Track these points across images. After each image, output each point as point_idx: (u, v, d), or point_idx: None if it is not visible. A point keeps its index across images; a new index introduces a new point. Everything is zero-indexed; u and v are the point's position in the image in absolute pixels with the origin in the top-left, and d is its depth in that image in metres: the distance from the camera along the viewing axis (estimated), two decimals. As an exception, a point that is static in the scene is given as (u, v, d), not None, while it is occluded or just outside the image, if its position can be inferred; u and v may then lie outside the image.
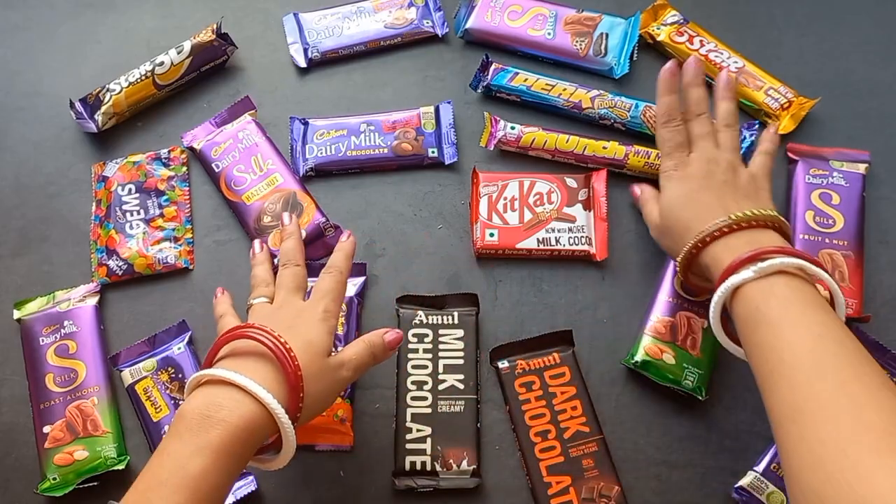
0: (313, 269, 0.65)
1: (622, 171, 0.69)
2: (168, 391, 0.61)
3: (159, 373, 0.62)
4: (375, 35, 0.76)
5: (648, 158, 0.68)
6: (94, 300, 0.65)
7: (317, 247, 0.67)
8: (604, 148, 0.69)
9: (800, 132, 0.70)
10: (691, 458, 0.59)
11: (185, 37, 0.74)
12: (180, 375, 0.62)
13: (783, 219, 0.53)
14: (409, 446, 0.58)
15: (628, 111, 0.70)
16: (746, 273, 0.48)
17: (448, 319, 0.63)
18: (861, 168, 0.67)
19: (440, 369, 0.61)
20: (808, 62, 0.75)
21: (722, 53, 0.73)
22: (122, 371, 0.62)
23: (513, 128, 0.70)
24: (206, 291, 0.66)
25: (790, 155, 0.69)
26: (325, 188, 0.70)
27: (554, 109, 0.71)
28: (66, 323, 0.64)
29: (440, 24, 0.77)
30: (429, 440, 0.58)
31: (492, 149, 0.71)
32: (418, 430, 0.59)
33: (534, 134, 0.69)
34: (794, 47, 0.75)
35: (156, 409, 0.60)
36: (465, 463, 0.58)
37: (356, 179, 0.71)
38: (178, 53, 0.73)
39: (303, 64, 0.76)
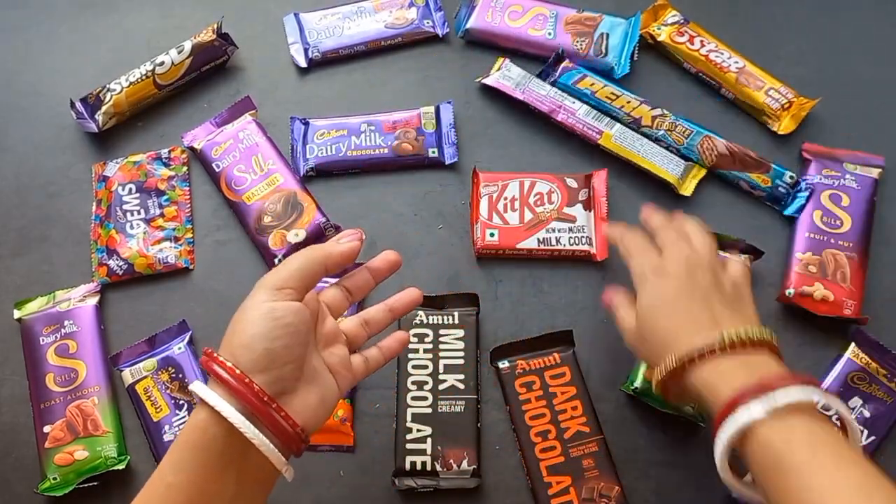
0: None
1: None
2: (168, 391, 0.61)
3: (160, 373, 0.62)
4: (376, 35, 0.76)
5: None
6: (94, 300, 0.65)
7: (317, 247, 0.67)
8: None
9: (800, 132, 0.70)
10: (691, 458, 0.59)
11: (186, 37, 0.74)
12: (180, 375, 0.62)
13: (774, 337, 0.48)
14: (409, 446, 0.58)
15: (686, 137, 0.69)
16: (756, 411, 0.41)
17: (448, 319, 0.63)
18: (874, 172, 0.67)
19: (440, 369, 0.61)
20: (809, 62, 0.75)
21: (722, 53, 0.73)
22: (122, 371, 0.62)
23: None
24: (207, 291, 0.67)
25: (804, 155, 0.69)
26: (325, 188, 0.70)
27: (614, 119, 0.70)
28: (66, 323, 0.64)
29: (441, 23, 0.77)
30: (429, 440, 0.58)
31: (487, 81, 0.71)
32: (418, 430, 0.59)
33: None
34: (795, 47, 0.75)
35: (156, 409, 0.60)
36: (465, 463, 0.58)
37: (356, 179, 0.71)
38: (179, 53, 0.73)
39: (303, 64, 0.76)
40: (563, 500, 0.56)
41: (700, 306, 0.49)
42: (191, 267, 0.67)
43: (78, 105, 0.72)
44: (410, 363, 0.61)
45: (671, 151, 0.70)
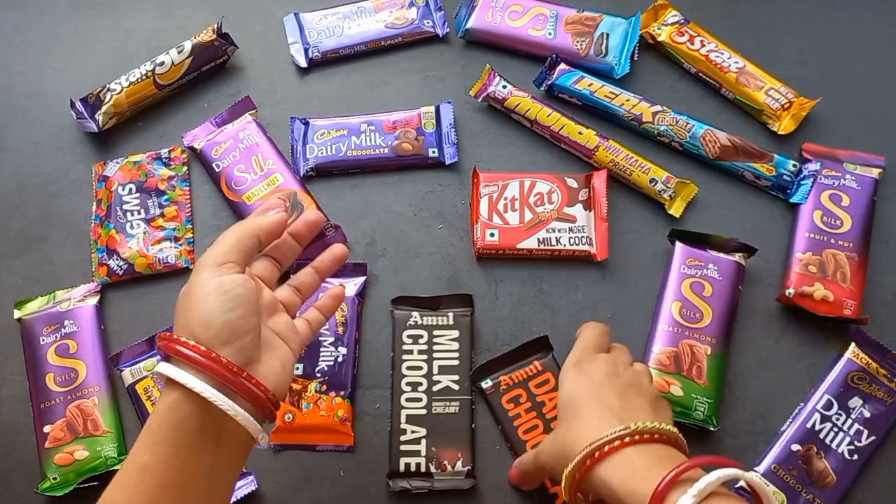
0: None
1: (589, 162, 0.70)
2: (168, 391, 0.61)
3: (160, 373, 0.62)
4: (376, 35, 0.76)
5: (617, 156, 0.68)
6: (94, 300, 0.65)
7: (317, 247, 0.67)
8: (579, 133, 0.69)
9: (801, 132, 0.70)
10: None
11: (186, 37, 0.74)
12: (181, 375, 0.62)
13: (684, 440, 0.47)
14: (403, 448, 0.58)
15: (688, 132, 0.69)
16: (686, 500, 0.39)
17: (443, 320, 0.62)
18: (874, 172, 0.67)
19: (435, 370, 0.61)
20: (809, 62, 0.75)
21: (723, 53, 0.73)
22: (122, 371, 0.62)
23: (504, 86, 0.71)
24: (207, 291, 0.67)
25: (804, 154, 0.69)
26: (325, 188, 0.70)
27: (614, 118, 0.71)
28: (66, 322, 0.64)
29: (441, 23, 0.77)
30: (423, 441, 0.58)
31: (479, 100, 0.72)
32: (413, 432, 0.59)
33: (520, 99, 0.71)
34: (795, 47, 0.75)
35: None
36: (459, 464, 0.58)
37: (356, 179, 0.71)
38: (179, 53, 0.73)
39: (303, 64, 0.76)
40: None
41: (617, 398, 0.48)
42: (191, 267, 0.67)
43: (78, 105, 0.72)
44: (405, 364, 0.61)
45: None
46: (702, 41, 0.74)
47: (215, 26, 0.74)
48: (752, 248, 0.64)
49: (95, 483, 0.58)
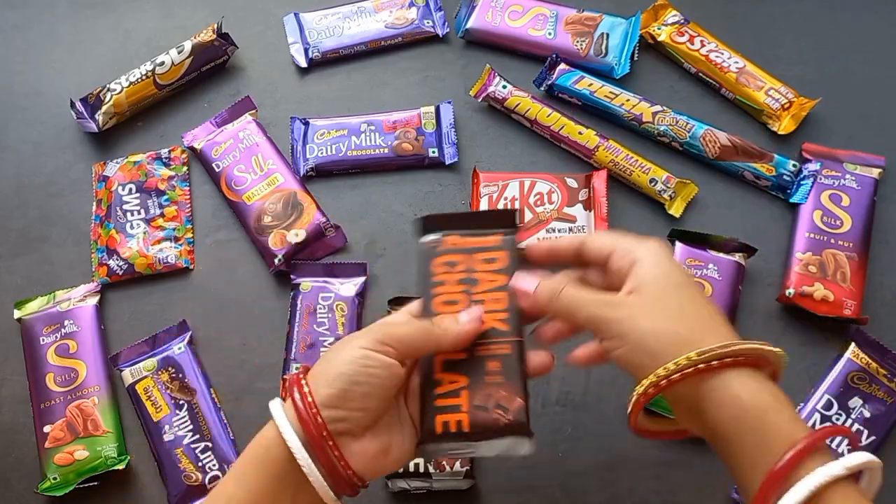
0: (313, 268, 0.65)
1: (589, 162, 0.70)
2: (168, 391, 0.61)
3: (160, 373, 0.62)
4: (376, 35, 0.76)
5: (617, 156, 0.68)
6: (94, 300, 0.65)
7: (317, 247, 0.67)
8: (579, 133, 0.69)
9: (801, 132, 0.70)
10: (691, 458, 0.59)
11: (186, 37, 0.74)
12: (180, 375, 0.62)
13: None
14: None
15: (688, 132, 0.69)
16: (835, 468, 0.34)
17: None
18: (874, 172, 0.67)
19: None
20: (809, 62, 0.75)
21: (723, 53, 0.73)
22: (122, 371, 0.62)
23: (504, 86, 0.71)
24: (207, 291, 0.67)
25: (805, 155, 0.69)
26: (325, 188, 0.70)
27: (614, 118, 0.71)
28: (66, 322, 0.64)
29: (441, 23, 0.77)
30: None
31: (479, 100, 0.72)
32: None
33: (520, 99, 0.71)
34: (795, 47, 0.75)
35: (156, 408, 0.60)
36: (458, 464, 0.57)
37: (356, 179, 0.71)
38: (179, 53, 0.73)
39: (303, 64, 0.76)
40: (449, 403, 0.44)
41: (710, 308, 0.41)
42: (191, 267, 0.67)
43: (78, 105, 0.72)
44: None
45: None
46: (702, 41, 0.74)
47: (215, 26, 0.74)
48: (752, 248, 0.64)
49: (95, 483, 0.58)
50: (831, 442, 0.45)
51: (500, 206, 0.67)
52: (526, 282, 0.46)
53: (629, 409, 0.41)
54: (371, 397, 0.42)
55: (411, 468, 0.57)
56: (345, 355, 0.42)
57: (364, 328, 0.44)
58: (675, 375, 0.38)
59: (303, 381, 0.42)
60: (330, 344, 0.62)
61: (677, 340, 0.39)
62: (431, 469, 0.57)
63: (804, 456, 0.35)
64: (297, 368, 0.45)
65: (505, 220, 0.50)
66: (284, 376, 0.61)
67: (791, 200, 0.67)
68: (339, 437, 0.41)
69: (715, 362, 0.37)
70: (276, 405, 0.42)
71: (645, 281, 0.41)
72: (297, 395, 0.41)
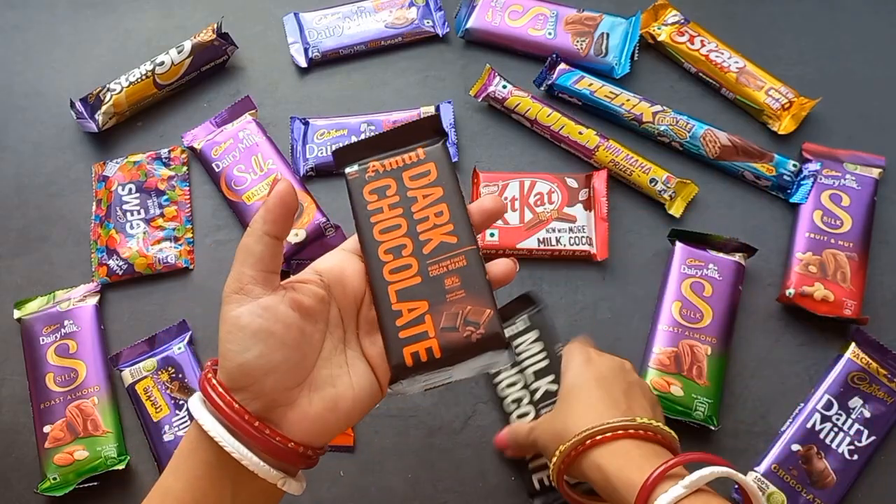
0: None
1: (589, 161, 0.70)
2: (168, 391, 0.61)
3: (159, 373, 0.62)
4: (376, 35, 0.76)
5: (617, 156, 0.68)
6: (94, 300, 0.65)
7: (317, 247, 0.67)
8: (579, 133, 0.69)
9: (801, 132, 0.70)
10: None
11: (186, 36, 0.74)
12: (180, 375, 0.62)
13: (679, 447, 0.47)
14: (532, 464, 0.57)
15: (688, 131, 0.69)
16: (676, 490, 0.40)
17: (518, 328, 0.59)
18: (874, 172, 0.67)
19: (530, 379, 0.58)
20: (809, 62, 0.75)
21: (723, 53, 0.73)
22: (122, 371, 0.62)
23: (504, 86, 0.71)
24: (206, 291, 0.67)
25: (805, 154, 0.69)
26: (325, 188, 0.70)
27: (614, 118, 0.71)
28: (66, 322, 0.64)
29: (441, 23, 0.77)
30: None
31: (479, 100, 0.72)
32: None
33: (520, 99, 0.71)
34: (795, 47, 0.75)
35: (156, 409, 0.60)
36: None
37: (356, 179, 0.71)
38: (179, 53, 0.73)
39: (303, 64, 0.76)
40: (415, 332, 0.41)
41: (622, 394, 0.49)
42: (191, 267, 0.67)
43: (78, 105, 0.72)
44: (502, 384, 0.58)
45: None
46: (702, 41, 0.74)
47: (215, 26, 0.74)
48: (753, 248, 0.64)
49: (95, 483, 0.58)
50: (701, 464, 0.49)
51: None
52: (500, 439, 0.56)
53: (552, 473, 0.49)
54: (270, 354, 0.38)
55: (547, 483, 0.57)
56: (221, 331, 0.38)
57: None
58: (573, 452, 0.46)
59: (209, 375, 0.39)
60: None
61: (571, 426, 0.47)
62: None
63: (654, 486, 0.41)
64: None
65: (423, 131, 0.46)
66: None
67: (791, 200, 0.67)
68: (270, 412, 0.38)
69: (579, 446, 0.46)
70: (193, 400, 0.39)
71: (560, 391, 0.52)
72: (207, 387, 0.38)
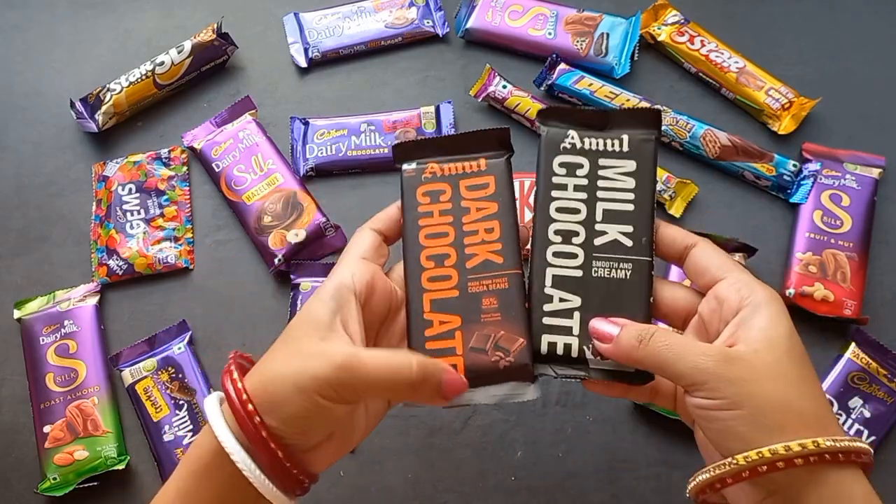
0: (313, 268, 0.65)
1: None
2: (168, 391, 0.61)
3: (159, 373, 0.62)
4: (376, 35, 0.76)
5: None
6: (94, 300, 0.65)
7: (317, 247, 0.67)
8: None
9: (801, 132, 0.70)
10: (691, 458, 0.59)
11: (186, 36, 0.74)
12: (180, 375, 0.62)
13: None
14: (547, 321, 0.41)
15: (688, 131, 0.69)
16: None
17: (614, 145, 0.43)
18: (874, 172, 0.67)
19: (598, 216, 0.42)
20: (809, 62, 0.75)
21: (723, 53, 0.73)
22: (122, 371, 0.62)
23: (504, 86, 0.71)
24: (207, 291, 0.67)
25: (805, 154, 0.69)
26: (325, 188, 0.70)
27: None
28: (66, 322, 0.64)
29: (441, 23, 0.77)
30: (576, 315, 0.41)
31: (479, 100, 0.72)
32: (562, 300, 0.41)
33: (520, 99, 0.71)
34: (795, 47, 0.75)
35: (156, 409, 0.60)
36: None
37: (356, 179, 0.71)
38: (179, 53, 0.73)
39: (303, 64, 0.76)
40: (442, 346, 0.40)
41: (821, 386, 0.37)
42: (191, 267, 0.67)
43: (78, 105, 0.72)
44: (554, 204, 0.43)
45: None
46: (702, 41, 0.74)
47: (215, 26, 0.74)
48: (753, 248, 0.64)
49: (95, 483, 0.58)
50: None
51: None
52: (606, 325, 0.39)
53: (712, 481, 0.35)
54: (326, 427, 0.37)
55: (560, 349, 0.41)
56: (291, 388, 0.35)
57: (321, 318, 0.37)
58: (798, 459, 0.32)
59: (239, 385, 0.36)
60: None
61: (804, 420, 0.33)
62: (588, 354, 0.41)
63: None
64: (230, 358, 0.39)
65: (489, 142, 0.45)
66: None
67: (791, 200, 0.67)
68: (289, 447, 0.37)
69: (841, 455, 0.33)
70: (211, 404, 0.37)
71: (769, 336, 0.35)
72: (235, 401, 0.36)
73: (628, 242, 0.41)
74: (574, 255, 0.41)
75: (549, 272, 0.41)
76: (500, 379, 0.39)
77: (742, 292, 0.37)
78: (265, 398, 0.36)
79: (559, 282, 0.41)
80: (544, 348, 0.40)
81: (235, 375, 0.37)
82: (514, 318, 0.41)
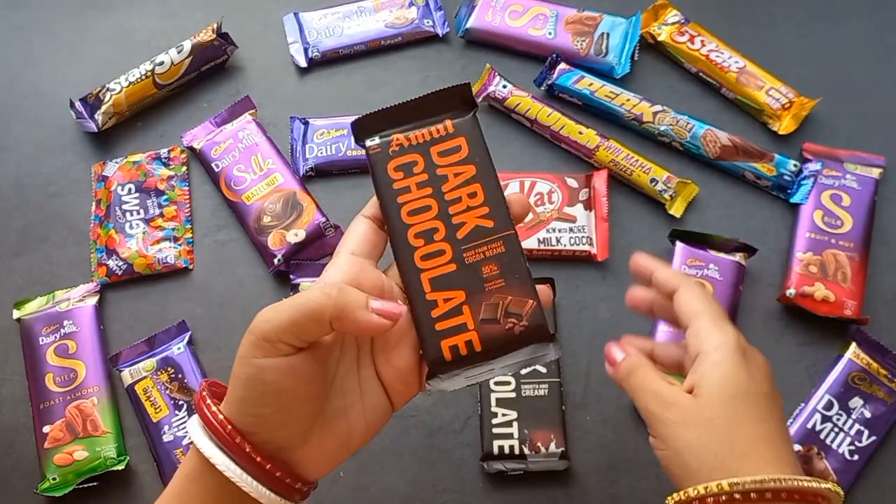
0: (313, 268, 0.65)
1: (589, 161, 0.70)
2: (168, 391, 0.61)
3: (159, 373, 0.62)
4: (376, 35, 0.76)
5: (617, 156, 0.68)
6: (93, 300, 0.65)
7: (317, 247, 0.67)
8: (580, 133, 0.69)
9: (801, 132, 0.70)
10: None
11: (186, 36, 0.74)
12: (180, 376, 0.61)
13: None
14: (496, 430, 0.57)
15: (689, 131, 0.69)
16: None
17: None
18: (875, 172, 0.67)
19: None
20: (809, 62, 0.75)
21: (723, 53, 0.73)
22: (121, 371, 0.62)
23: (504, 86, 0.71)
24: (206, 291, 0.67)
25: (805, 154, 0.69)
26: (325, 188, 0.70)
27: (614, 118, 0.71)
28: (65, 323, 0.63)
29: (441, 23, 0.77)
30: (515, 424, 0.57)
31: (479, 100, 0.72)
32: (504, 415, 0.57)
33: (520, 98, 0.71)
34: (795, 47, 0.75)
35: (155, 409, 0.60)
36: (553, 445, 0.57)
37: (356, 179, 0.71)
38: (179, 53, 0.73)
39: (303, 63, 0.76)
40: (452, 324, 0.38)
41: (781, 430, 0.38)
42: (190, 267, 0.67)
43: (78, 105, 0.72)
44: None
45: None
46: (702, 41, 0.74)
47: (215, 26, 0.74)
48: (753, 249, 0.64)
49: (95, 483, 0.58)
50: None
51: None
52: (616, 351, 0.44)
53: None
54: (288, 409, 0.36)
55: (506, 450, 0.57)
56: (239, 374, 0.36)
57: (249, 328, 0.36)
58: (710, 499, 0.35)
59: (212, 406, 0.36)
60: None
61: (715, 463, 0.36)
62: (527, 451, 0.57)
63: None
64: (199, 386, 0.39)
65: (451, 101, 0.42)
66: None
67: (791, 200, 0.67)
68: (278, 453, 0.36)
69: (753, 495, 0.35)
70: (194, 428, 0.37)
71: (705, 382, 0.38)
72: (212, 421, 0.36)
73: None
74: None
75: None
76: (518, 345, 0.38)
77: (698, 338, 0.40)
78: (230, 397, 0.36)
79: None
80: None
81: (209, 401, 0.37)
82: (518, 280, 0.39)
